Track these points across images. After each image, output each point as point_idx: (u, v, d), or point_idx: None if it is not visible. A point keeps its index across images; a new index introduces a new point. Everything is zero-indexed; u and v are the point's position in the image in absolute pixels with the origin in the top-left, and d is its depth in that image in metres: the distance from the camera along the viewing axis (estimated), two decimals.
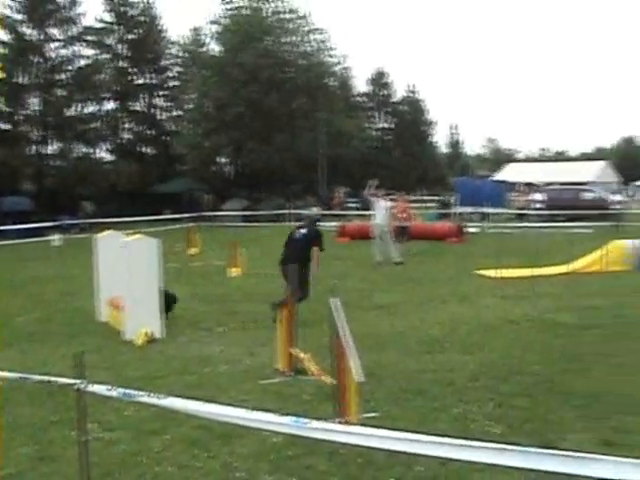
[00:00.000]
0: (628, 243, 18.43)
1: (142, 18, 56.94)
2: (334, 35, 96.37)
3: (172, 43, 60.21)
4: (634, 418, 6.70)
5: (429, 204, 48.20)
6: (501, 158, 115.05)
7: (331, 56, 60.02)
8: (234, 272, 18.59)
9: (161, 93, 59.56)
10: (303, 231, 12.81)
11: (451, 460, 3.85)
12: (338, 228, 29.99)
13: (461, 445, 3.17)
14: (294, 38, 56.52)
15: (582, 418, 6.75)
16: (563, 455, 2.94)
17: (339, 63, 62.46)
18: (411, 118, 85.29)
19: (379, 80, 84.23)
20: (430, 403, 7.30)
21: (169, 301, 12.35)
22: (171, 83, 59.93)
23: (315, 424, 3.57)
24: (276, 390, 7.95)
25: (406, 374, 8.43)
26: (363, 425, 4.77)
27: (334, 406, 6.44)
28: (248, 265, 19.08)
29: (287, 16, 56.35)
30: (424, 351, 9.66)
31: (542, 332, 10.75)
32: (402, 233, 22.84)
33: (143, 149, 58.97)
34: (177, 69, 60.41)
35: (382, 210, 21.15)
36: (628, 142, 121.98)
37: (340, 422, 5.93)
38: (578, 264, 17.70)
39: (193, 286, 16.59)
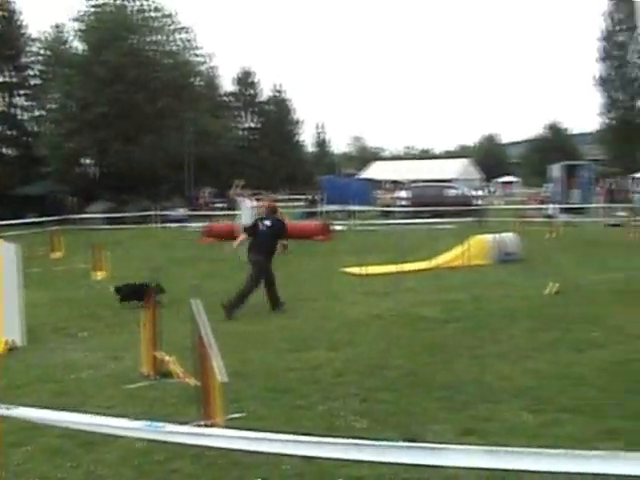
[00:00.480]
0: (489, 238, 19.08)
1: (0, 13, 54.64)
2: (200, 34, 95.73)
3: (33, 40, 57.91)
4: (492, 406, 6.92)
5: (296, 203, 48.51)
6: (367, 156, 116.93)
7: (197, 55, 59.46)
8: (99, 275, 18.11)
9: (22, 92, 57.17)
10: (267, 223, 13.23)
11: (314, 458, 3.87)
12: (204, 228, 29.70)
13: (321, 442, 3.17)
14: (159, 37, 55.63)
15: (444, 409, 6.91)
16: (419, 447, 2.99)
17: (205, 62, 61.95)
18: (277, 117, 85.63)
19: (245, 79, 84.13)
20: (296, 401, 7.29)
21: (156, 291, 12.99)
22: (32, 82, 57.61)
23: (170, 428, 3.49)
24: (141, 394, 7.76)
25: (273, 373, 8.40)
26: (227, 427, 4.72)
27: (199, 408, 6.35)
28: (113, 268, 18.61)
29: (152, 14, 55.38)
30: (291, 349, 9.67)
31: (406, 326, 10.96)
32: None
33: (4, 150, 56.57)
34: (39, 67, 58.19)
35: (248, 210, 21.10)
36: (489, 140, 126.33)
37: (205, 425, 5.86)
38: (441, 259, 18.18)
39: (56, 291, 16.05)
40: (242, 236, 14.02)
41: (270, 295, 12.91)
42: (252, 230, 13.47)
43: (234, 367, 8.38)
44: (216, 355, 5.98)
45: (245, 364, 8.77)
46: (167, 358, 8.20)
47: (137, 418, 4.21)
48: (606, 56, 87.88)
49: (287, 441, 3.21)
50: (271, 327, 11.28)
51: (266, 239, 13.07)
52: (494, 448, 2.79)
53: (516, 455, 2.73)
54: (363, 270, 16.12)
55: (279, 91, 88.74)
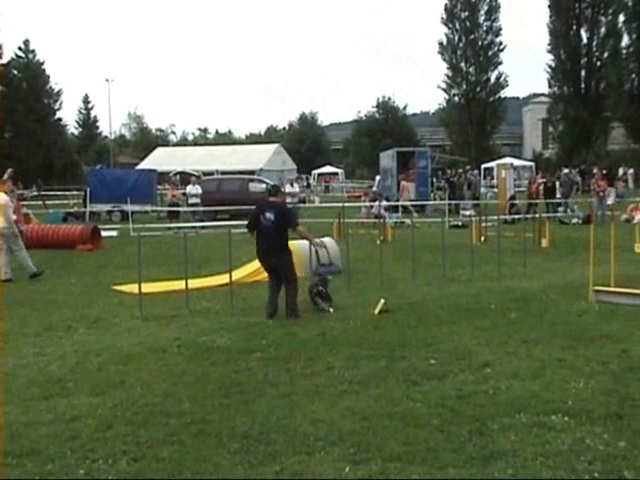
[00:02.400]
0: (300, 244, 19.28)
1: None
2: None
3: None
4: (304, 457, 7.02)
5: (55, 201, 47.50)
6: (150, 141, 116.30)
7: None
8: None
9: None
10: (270, 216, 14.31)
11: None
12: None
13: None
14: None
15: (242, 464, 6.93)
16: None
17: None
18: (27, 86, 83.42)
19: None
20: (44, 466, 7.06)
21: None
22: None
23: None
24: None
25: (12, 430, 8.07)
26: None
27: None
28: None
29: None
30: (39, 396, 9.35)
31: (195, 360, 10.92)
32: None
33: None
34: None
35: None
36: (305, 121, 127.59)
37: None
38: (242, 272, 18.25)
39: None
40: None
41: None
42: (253, 225, 14.67)
43: None
44: None
45: None
46: None
47: None
48: (451, 17, 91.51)
49: None
50: (11, 367, 10.86)
51: (271, 236, 14.38)
52: None
53: None
54: (141, 288, 15.90)
55: (27, 50, 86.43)
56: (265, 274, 17.07)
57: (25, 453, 7.39)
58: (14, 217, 22.23)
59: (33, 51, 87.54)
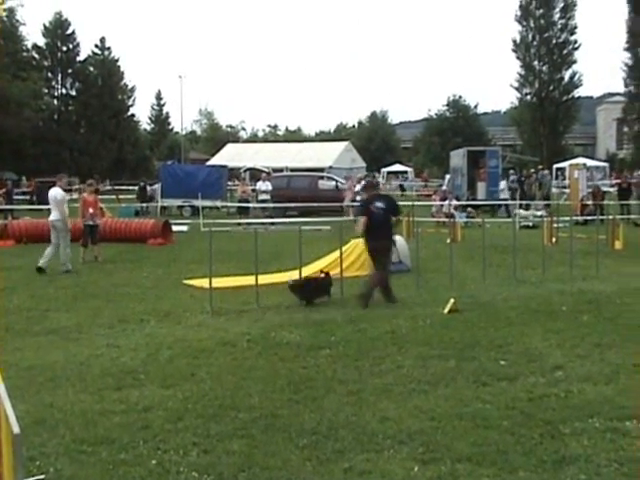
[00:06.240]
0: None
1: None
2: None
3: None
4: (372, 455, 7.03)
5: (127, 196, 47.99)
6: (220, 137, 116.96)
7: None
8: None
9: None
10: (381, 205, 15.26)
11: None
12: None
13: None
14: None
15: (311, 460, 6.97)
16: None
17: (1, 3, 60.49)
18: (103, 83, 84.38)
19: (59, 30, 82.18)
20: (119, 454, 7.18)
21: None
22: None
23: None
24: None
25: (86, 418, 8.23)
26: None
27: None
28: None
29: None
30: (112, 386, 9.51)
31: (264, 355, 11.00)
32: (90, 233, 22.70)
33: None
34: None
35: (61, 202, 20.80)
36: (375, 119, 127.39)
37: None
38: (311, 269, 18.26)
39: None
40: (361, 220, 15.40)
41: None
42: (365, 214, 15.29)
43: (34, 413, 8.22)
44: (4, 398, 5.72)
45: (49, 408, 8.57)
46: None
47: None
48: (525, 14, 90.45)
49: None
50: (86, 357, 11.04)
51: (382, 223, 15.15)
52: None
53: None
54: (212, 282, 16.04)
55: (103, 48, 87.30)
56: (335, 271, 17.14)
57: (99, 441, 7.53)
58: (91, 211, 22.71)
59: (109, 48, 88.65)
